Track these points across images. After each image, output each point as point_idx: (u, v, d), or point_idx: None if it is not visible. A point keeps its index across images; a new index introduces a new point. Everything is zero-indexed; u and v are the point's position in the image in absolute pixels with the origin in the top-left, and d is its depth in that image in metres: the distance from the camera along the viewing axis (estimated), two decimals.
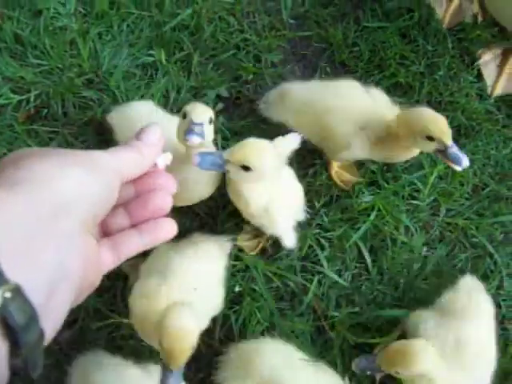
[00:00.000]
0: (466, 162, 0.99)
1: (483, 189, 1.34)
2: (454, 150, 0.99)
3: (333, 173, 1.27)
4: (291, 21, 1.46)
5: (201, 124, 0.91)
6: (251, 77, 1.37)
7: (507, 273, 1.27)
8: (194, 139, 0.90)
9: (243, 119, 1.32)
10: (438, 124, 1.00)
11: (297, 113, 1.16)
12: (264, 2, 1.46)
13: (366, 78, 1.40)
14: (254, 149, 0.93)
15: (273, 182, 1.03)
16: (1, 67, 1.27)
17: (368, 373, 1.03)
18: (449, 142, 1.00)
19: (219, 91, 1.33)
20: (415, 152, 1.12)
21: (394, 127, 1.08)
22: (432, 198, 1.30)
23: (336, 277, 1.20)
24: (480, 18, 1.48)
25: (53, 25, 1.34)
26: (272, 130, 1.32)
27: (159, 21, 1.37)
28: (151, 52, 1.35)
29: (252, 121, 1.32)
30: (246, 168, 0.93)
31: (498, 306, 1.24)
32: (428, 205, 1.30)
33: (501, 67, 1.45)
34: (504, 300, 1.25)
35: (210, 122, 0.94)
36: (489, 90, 1.43)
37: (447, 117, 1.35)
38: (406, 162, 1.32)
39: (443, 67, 1.43)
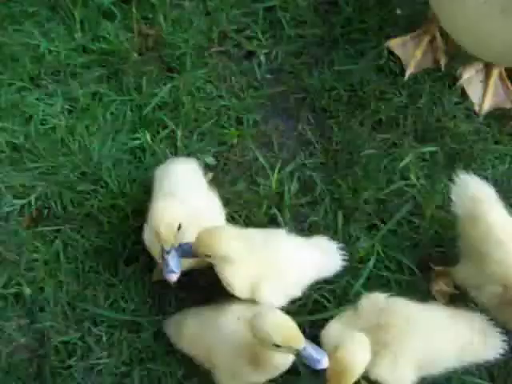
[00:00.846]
0: None
1: None
2: None
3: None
4: (267, 76, 1.48)
5: (173, 250, 1.00)
6: (236, 140, 1.40)
7: None
8: (171, 278, 1.01)
9: (233, 185, 1.35)
10: None
11: None
12: (238, 62, 1.50)
13: (348, 120, 1.40)
14: (214, 238, 1.01)
15: (261, 260, 1.06)
16: (2, 177, 1.35)
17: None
18: None
19: (206, 161, 1.36)
20: None
21: None
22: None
23: None
24: None
25: (43, 126, 1.41)
26: (264, 192, 1.34)
27: (140, 103, 1.43)
28: (136, 135, 1.40)
29: (243, 186, 1.35)
30: (208, 256, 1.01)
31: None
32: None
33: (486, 82, 1.42)
34: None
35: (179, 228, 1.01)
36: (476, 108, 1.40)
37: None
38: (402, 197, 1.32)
39: (425, 94, 1.41)
